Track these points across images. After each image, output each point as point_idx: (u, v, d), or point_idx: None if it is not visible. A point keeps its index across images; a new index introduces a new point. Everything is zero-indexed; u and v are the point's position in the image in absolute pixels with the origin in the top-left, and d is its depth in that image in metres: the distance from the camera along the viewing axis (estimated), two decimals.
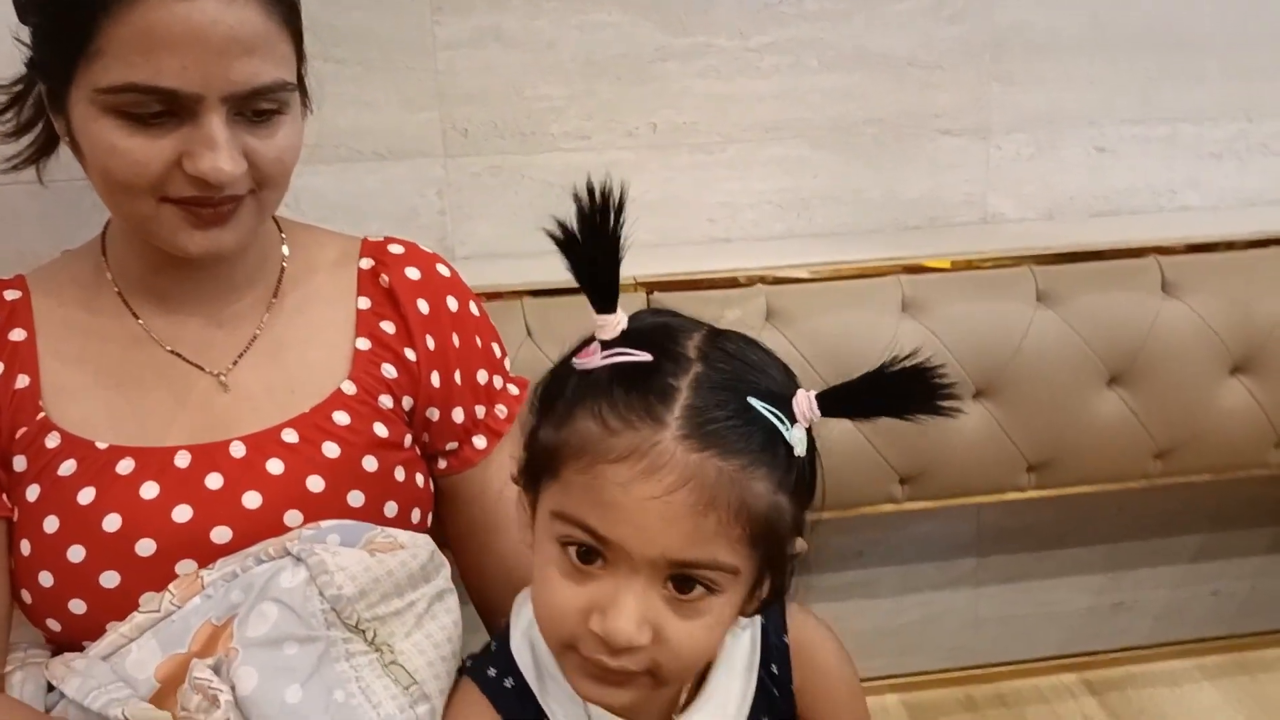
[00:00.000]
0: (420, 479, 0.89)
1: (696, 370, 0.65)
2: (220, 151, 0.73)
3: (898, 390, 0.66)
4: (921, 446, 1.16)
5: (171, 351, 0.84)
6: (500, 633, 0.78)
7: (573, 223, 0.65)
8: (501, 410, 0.93)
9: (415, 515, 0.87)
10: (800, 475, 0.67)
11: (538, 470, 0.68)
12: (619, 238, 0.65)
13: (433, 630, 0.78)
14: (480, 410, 0.92)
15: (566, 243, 0.65)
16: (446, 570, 0.83)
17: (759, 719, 0.76)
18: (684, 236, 1.30)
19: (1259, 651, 1.30)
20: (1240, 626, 1.43)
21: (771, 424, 0.64)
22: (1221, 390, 1.19)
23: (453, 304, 0.92)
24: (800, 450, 0.67)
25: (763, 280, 1.17)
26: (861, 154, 1.29)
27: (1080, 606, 1.45)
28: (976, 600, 1.44)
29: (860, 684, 0.81)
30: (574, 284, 1.13)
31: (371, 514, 0.83)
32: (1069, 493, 1.22)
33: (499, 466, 0.91)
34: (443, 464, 0.92)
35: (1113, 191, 1.35)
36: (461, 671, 0.78)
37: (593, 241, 0.65)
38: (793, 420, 0.66)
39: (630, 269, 1.17)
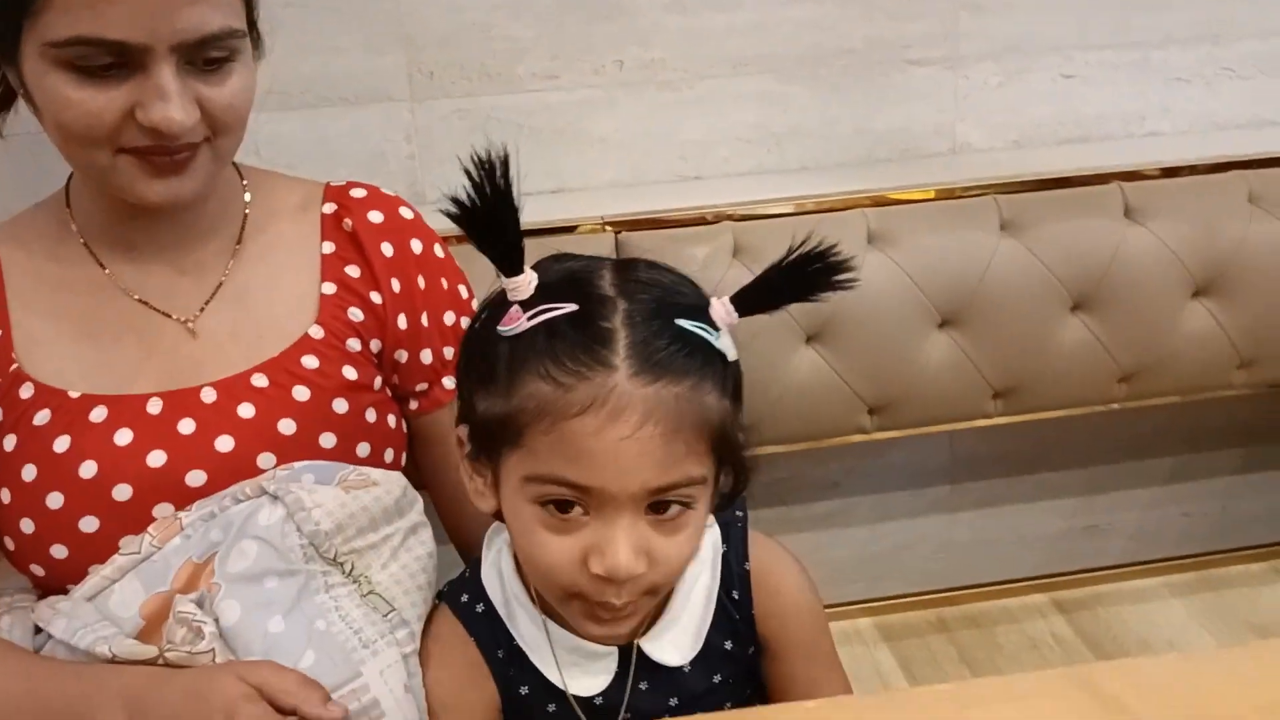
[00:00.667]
0: (392, 420, 0.91)
1: (623, 307, 0.67)
2: (171, 101, 0.74)
3: (799, 276, 0.68)
4: (889, 377, 1.18)
5: (139, 300, 0.86)
6: (472, 563, 0.81)
7: (466, 194, 0.66)
8: None
9: (389, 455, 0.90)
10: (737, 374, 0.71)
11: (493, 442, 0.70)
12: (513, 199, 0.66)
13: (408, 561, 0.81)
14: (449, 351, 0.93)
15: (465, 216, 0.66)
16: (419, 505, 0.85)
17: (720, 642, 0.79)
18: (655, 175, 1.31)
19: (1225, 569, 1.34)
20: (1211, 547, 1.46)
21: (703, 339, 0.68)
22: (1184, 314, 1.21)
23: (417, 246, 0.93)
24: (732, 355, 0.70)
25: (729, 217, 1.18)
26: (831, 87, 1.30)
27: (1053, 530, 1.48)
28: (951, 526, 1.47)
29: (823, 610, 0.83)
30: (543, 225, 1.17)
31: (344, 455, 0.85)
32: (1036, 418, 1.25)
33: None
34: (414, 405, 0.94)
35: (1082, 119, 1.35)
36: (438, 598, 0.82)
37: (489, 208, 0.65)
38: (717, 329, 0.69)
39: (599, 209, 1.21)
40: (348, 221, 0.91)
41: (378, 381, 0.91)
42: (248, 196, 0.91)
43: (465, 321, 0.96)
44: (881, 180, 1.24)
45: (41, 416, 0.81)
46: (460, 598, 0.80)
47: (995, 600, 1.31)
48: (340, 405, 0.86)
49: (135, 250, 0.86)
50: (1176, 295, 1.20)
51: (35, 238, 0.87)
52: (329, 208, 0.92)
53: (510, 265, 0.67)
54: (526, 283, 0.67)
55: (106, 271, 0.86)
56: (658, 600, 0.74)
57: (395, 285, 0.91)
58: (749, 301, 0.69)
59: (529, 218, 1.22)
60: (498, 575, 0.78)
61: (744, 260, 1.16)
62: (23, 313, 0.84)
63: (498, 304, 0.70)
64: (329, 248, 0.90)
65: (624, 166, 1.30)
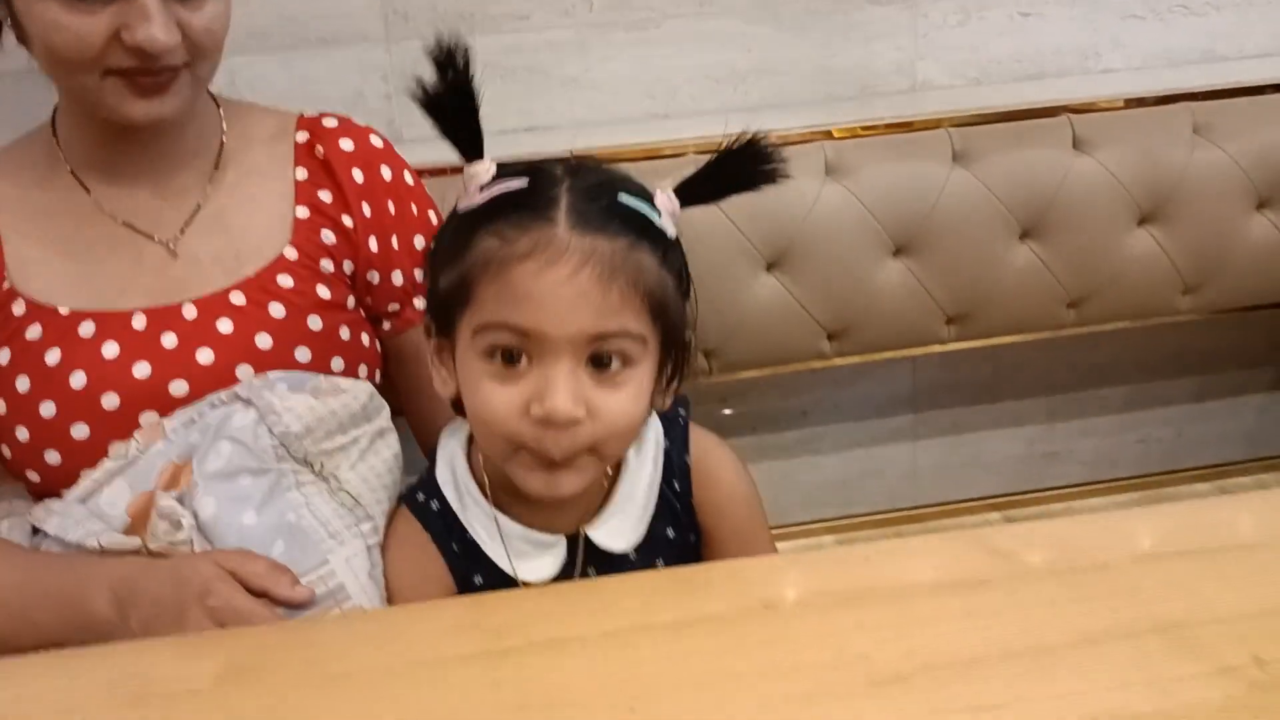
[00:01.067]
0: (365, 338, 0.97)
1: (569, 182, 0.73)
2: (154, 22, 0.80)
3: (736, 168, 0.75)
4: (845, 303, 1.23)
5: (124, 223, 0.91)
6: (427, 466, 0.87)
7: (429, 84, 0.72)
8: None
9: (362, 371, 0.95)
10: (678, 258, 0.77)
11: (449, 310, 0.75)
12: (472, 86, 0.72)
13: (375, 463, 0.87)
14: (419, 273, 0.98)
15: (428, 102, 0.72)
16: (386, 412, 0.91)
17: (662, 530, 0.84)
18: (625, 114, 1.35)
19: (1174, 488, 1.39)
20: (1164, 469, 1.52)
21: (643, 214, 0.74)
22: (1129, 241, 1.26)
23: (386, 173, 0.98)
24: (671, 232, 0.75)
25: (693, 150, 1.22)
26: (794, 26, 1.33)
27: (1013, 455, 1.54)
28: (915, 453, 1.53)
29: (759, 500, 0.88)
30: (513, 159, 1.22)
31: (318, 369, 0.91)
32: (989, 344, 1.30)
33: None
34: (386, 325, 1.00)
35: (1037, 55, 1.39)
36: (399, 501, 0.87)
37: (449, 94, 0.72)
38: (658, 212, 0.75)
39: (569, 145, 1.26)
40: (319, 149, 0.96)
41: (350, 301, 0.96)
42: (225, 125, 0.97)
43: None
44: (843, 116, 1.28)
45: (33, 331, 0.87)
46: (416, 496, 0.85)
47: (953, 518, 1.36)
48: (314, 322, 0.92)
49: (118, 175, 0.92)
50: (1122, 223, 1.25)
51: (22, 167, 0.93)
52: (302, 136, 0.98)
53: (471, 149, 0.74)
54: (485, 168, 0.73)
55: (91, 196, 0.92)
56: (601, 467, 0.77)
57: (366, 209, 0.96)
58: (690, 192, 0.75)
59: (500, 153, 1.28)
60: (450, 473, 0.84)
61: None
62: (13, 236, 0.90)
63: (458, 199, 0.75)
64: (302, 174, 0.96)
65: (594, 105, 1.34)
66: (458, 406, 0.79)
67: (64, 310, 0.88)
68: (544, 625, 0.62)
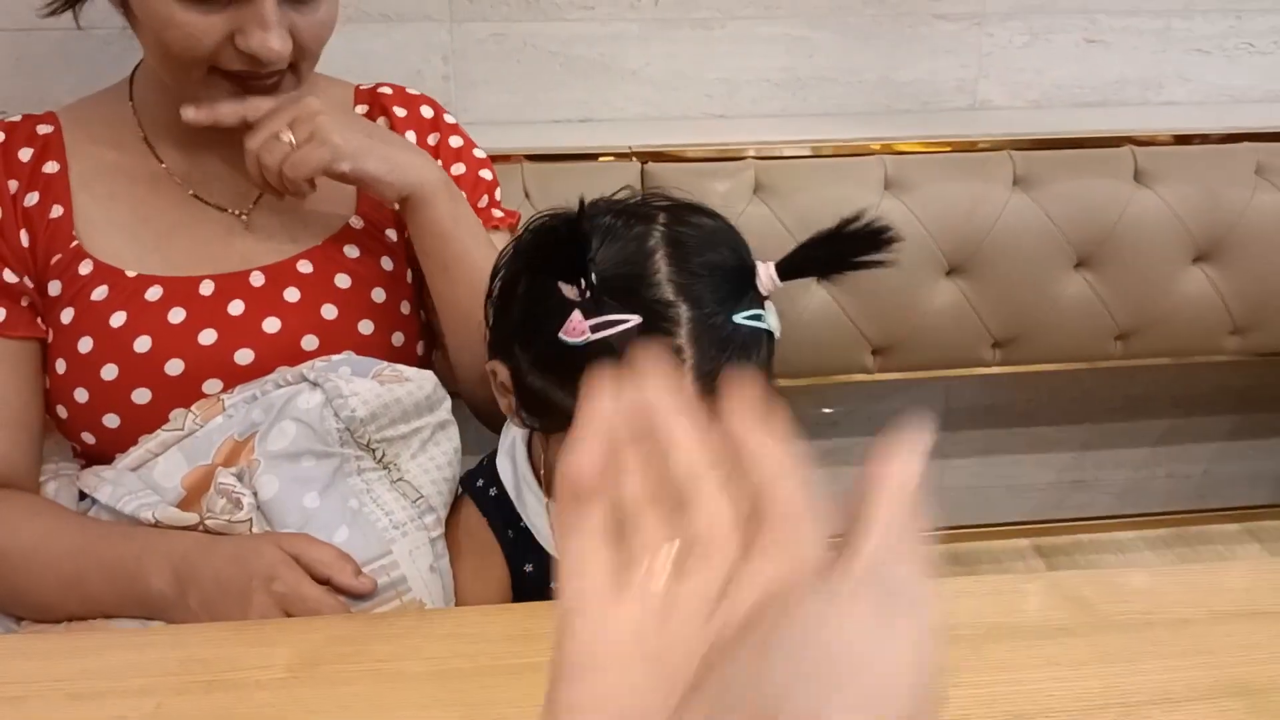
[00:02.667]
0: (422, 315, 0.97)
1: (687, 316, 0.67)
2: (271, 31, 0.79)
3: (843, 248, 0.70)
4: (894, 320, 1.23)
5: (194, 195, 0.91)
6: (489, 453, 0.88)
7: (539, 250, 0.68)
8: (497, 213, 1.00)
9: (420, 348, 0.96)
10: (773, 345, 0.73)
11: (549, 420, 0.73)
12: (582, 232, 0.66)
13: (435, 454, 0.87)
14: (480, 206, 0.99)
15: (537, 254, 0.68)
16: (448, 404, 0.90)
17: None
18: (682, 112, 1.35)
19: (1200, 527, 1.39)
20: (1191, 507, 1.52)
21: (759, 330, 0.70)
22: (1183, 277, 1.25)
23: (433, 138, 1.00)
24: (778, 331, 0.72)
25: (751, 155, 1.22)
26: (859, 35, 1.33)
27: (1042, 482, 1.54)
28: (942, 471, 1.53)
29: None
30: (573, 150, 1.21)
31: (380, 342, 0.91)
32: (1032, 370, 1.29)
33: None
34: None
35: (1101, 83, 1.38)
36: (460, 487, 0.88)
37: (564, 253, 0.66)
38: (763, 303, 0.70)
39: (626, 139, 1.25)
40: (382, 120, 0.98)
41: (409, 275, 0.96)
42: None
43: (484, 200, 1.00)
44: (901, 130, 1.28)
45: (99, 292, 0.86)
46: (476, 483, 0.86)
47: (980, 542, 1.37)
48: (378, 294, 0.92)
49: (191, 147, 0.91)
50: (1177, 259, 1.24)
51: (98, 123, 0.92)
52: (360, 108, 0.99)
53: (572, 276, 0.67)
54: (585, 291, 0.67)
55: (164, 165, 0.91)
56: None
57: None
58: (792, 268, 0.71)
59: (557, 144, 1.27)
60: (510, 462, 0.84)
61: (763, 196, 1.20)
62: (84, 194, 0.89)
63: (546, 251, 0.69)
64: None
65: (652, 101, 1.33)
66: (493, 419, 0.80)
67: (131, 273, 0.88)
68: None
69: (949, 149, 1.24)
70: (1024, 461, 1.53)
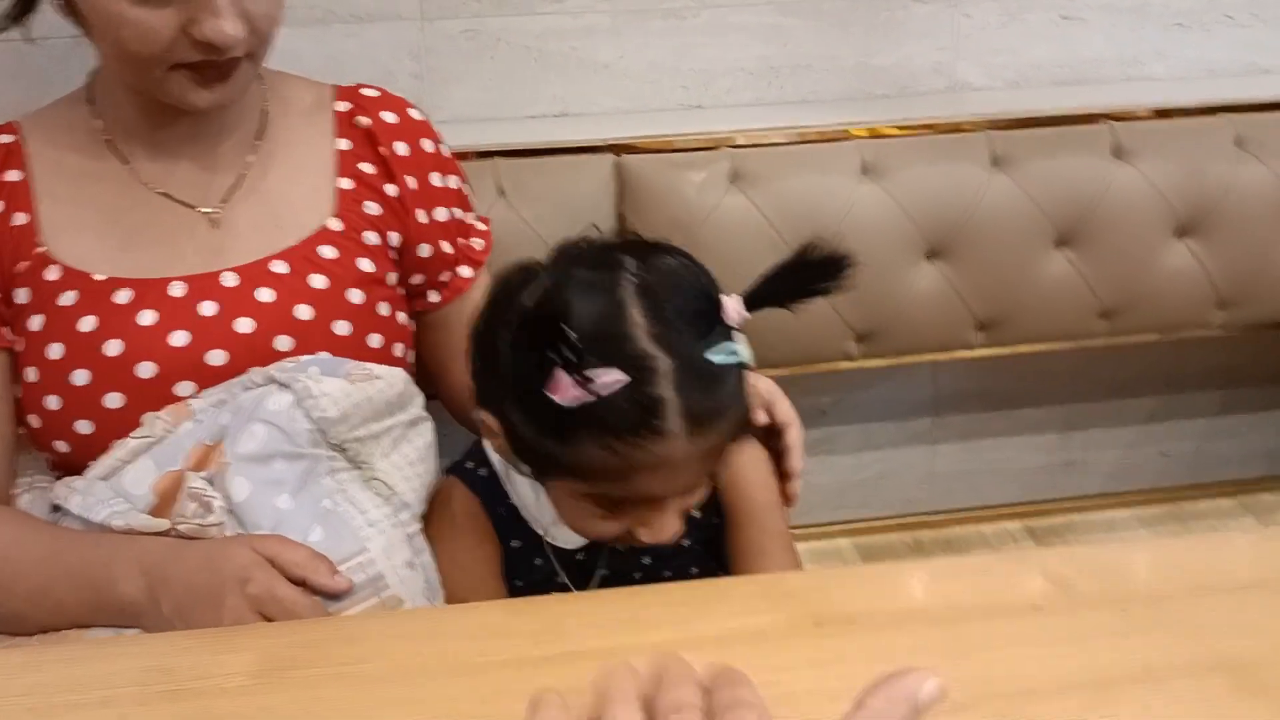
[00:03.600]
0: (402, 317, 0.96)
1: (668, 367, 0.69)
2: (224, 17, 0.79)
3: (803, 278, 0.74)
4: (876, 305, 1.22)
5: (161, 193, 0.90)
6: (477, 438, 0.87)
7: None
8: (477, 242, 1.01)
9: (398, 350, 0.94)
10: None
11: (544, 468, 0.75)
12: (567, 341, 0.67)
13: (408, 451, 0.86)
14: (462, 241, 1.00)
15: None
16: (420, 400, 0.90)
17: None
18: (658, 104, 1.33)
19: (1194, 503, 1.38)
20: (1185, 484, 1.51)
21: (735, 365, 0.72)
22: (1166, 253, 1.24)
23: (428, 145, 0.98)
24: (751, 361, 0.75)
25: (728, 144, 1.21)
26: (833, 21, 1.31)
27: (1032, 464, 1.53)
28: (932, 457, 1.52)
29: (776, 488, 0.90)
30: (548, 145, 1.20)
31: (356, 344, 0.90)
32: (1019, 351, 1.28)
33: (478, 291, 0.99)
34: (435, 297, 0.99)
35: (1079, 61, 1.37)
36: (446, 472, 0.88)
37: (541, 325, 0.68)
38: (735, 337, 0.73)
39: (602, 133, 1.24)
40: (363, 119, 0.96)
41: (391, 277, 0.95)
42: (266, 95, 0.95)
43: (469, 216, 1.01)
44: (879, 115, 1.27)
45: (68, 298, 0.85)
46: (465, 464, 0.87)
47: (971, 525, 1.36)
48: (355, 296, 0.91)
49: (157, 146, 0.90)
50: (1160, 234, 1.23)
51: (60, 129, 0.91)
52: (342, 106, 0.97)
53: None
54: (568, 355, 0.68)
55: (128, 167, 0.90)
56: None
57: (411, 182, 0.96)
58: (758, 299, 0.74)
59: (532, 139, 1.26)
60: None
61: (740, 186, 1.19)
62: (48, 200, 0.88)
63: (522, 314, 0.69)
64: (344, 144, 0.95)
65: (627, 94, 1.32)
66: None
67: (99, 277, 0.87)
68: (584, 634, 0.61)
69: (926, 132, 1.23)
70: (1014, 444, 1.52)
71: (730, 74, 1.33)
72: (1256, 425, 1.54)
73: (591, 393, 0.67)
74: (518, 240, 1.11)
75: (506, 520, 0.84)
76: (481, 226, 1.03)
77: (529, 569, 0.85)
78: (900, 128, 1.23)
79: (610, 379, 0.67)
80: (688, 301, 0.72)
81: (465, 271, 0.99)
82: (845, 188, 1.19)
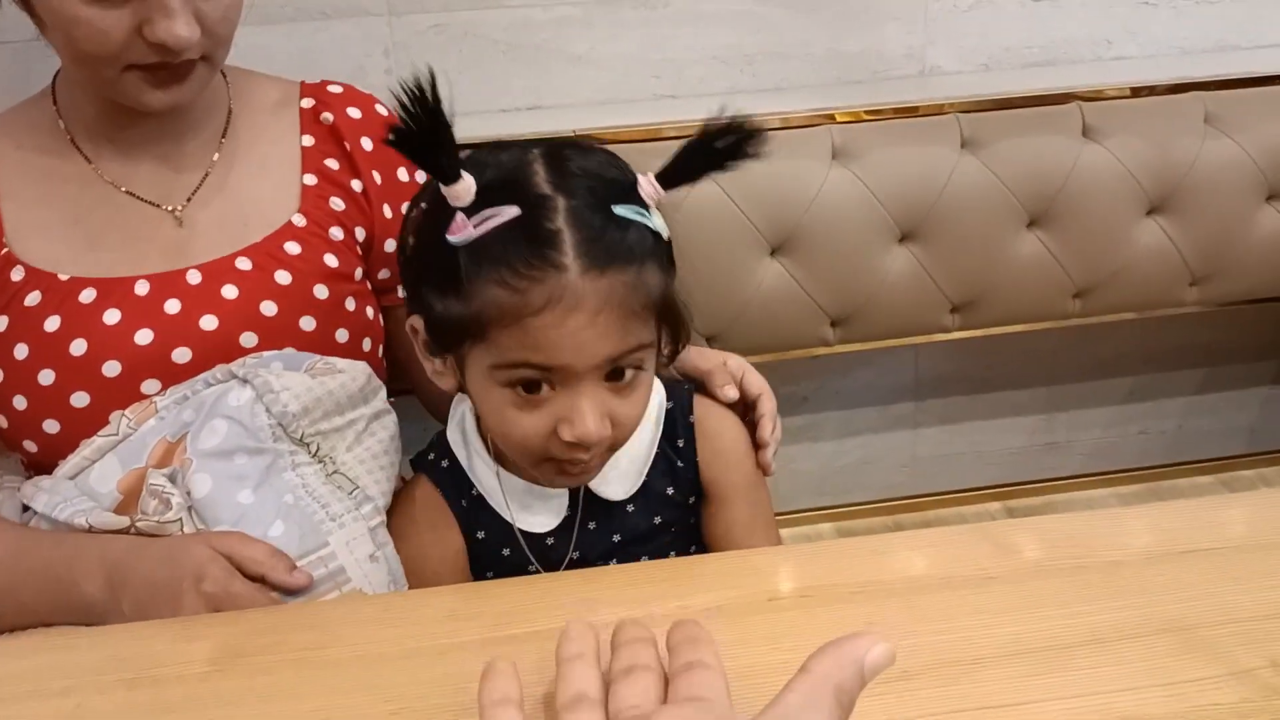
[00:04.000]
0: (370, 312, 0.96)
1: (563, 204, 0.70)
2: (176, 19, 0.79)
3: (713, 149, 0.73)
4: (849, 290, 1.22)
5: (126, 192, 0.90)
6: (440, 430, 0.88)
7: (401, 121, 0.67)
8: None
9: (366, 344, 0.95)
10: (669, 249, 0.76)
11: (455, 338, 0.74)
12: (443, 115, 0.67)
13: (371, 445, 0.86)
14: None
15: (401, 139, 0.67)
16: (383, 393, 0.90)
17: (662, 487, 0.86)
18: (631, 94, 1.34)
19: (1173, 481, 1.39)
20: (1165, 463, 1.51)
21: (640, 222, 0.72)
22: (1138, 231, 1.24)
23: (402, 174, 0.98)
24: (666, 233, 0.74)
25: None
26: (804, 8, 1.31)
27: (1014, 446, 1.53)
28: (914, 441, 1.52)
29: (762, 480, 0.90)
30: (519, 137, 1.20)
31: (323, 339, 0.90)
32: (996, 333, 1.29)
33: None
34: (403, 293, 0.99)
35: (1049, 42, 1.37)
36: (413, 465, 0.89)
37: (424, 128, 0.66)
38: (648, 208, 0.73)
39: (575, 124, 1.24)
40: (327, 115, 0.96)
41: (358, 272, 0.95)
42: (231, 95, 0.96)
43: None
44: (851, 101, 1.27)
45: (32, 298, 0.86)
46: (428, 457, 0.87)
47: (952, 508, 1.36)
48: (320, 291, 0.91)
49: (122, 145, 0.91)
50: (1131, 213, 1.23)
51: (22, 131, 0.91)
52: (307, 102, 0.97)
53: (447, 175, 0.69)
54: (466, 190, 0.69)
55: (93, 166, 0.90)
56: (615, 453, 0.80)
57: (377, 177, 0.96)
58: (671, 177, 0.74)
59: (505, 132, 1.26)
60: (460, 433, 0.85)
61: (714, 174, 1.19)
62: (11, 202, 0.89)
63: (437, 204, 0.72)
64: (308, 141, 0.95)
65: (599, 85, 1.32)
66: (461, 389, 0.79)
67: (64, 276, 0.87)
68: (544, 614, 0.61)
69: (896, 116, 1.23)
70: (995, 426, 1.53)
71: (702, 63, 1.33)
72: (1235, 402, 1.55)
73: (487, 228, 0.68)
74: None
75: (470, 512, 0.84)
76: None
77: (498, 560, 0.85)
78: (871, 112, 1.23)
79: (505, 215, 0.68)
80: (595, 165, 0.74)
81: None
82: (818, 173, 1.19)
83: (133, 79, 0.83)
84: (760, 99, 1.32)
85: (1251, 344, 1.51)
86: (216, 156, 0.93)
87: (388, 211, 0.96)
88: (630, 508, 0.85)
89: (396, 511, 0.85)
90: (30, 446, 0.87)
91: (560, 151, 0.74)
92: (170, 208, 0.91)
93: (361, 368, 0.88)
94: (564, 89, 1.32)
